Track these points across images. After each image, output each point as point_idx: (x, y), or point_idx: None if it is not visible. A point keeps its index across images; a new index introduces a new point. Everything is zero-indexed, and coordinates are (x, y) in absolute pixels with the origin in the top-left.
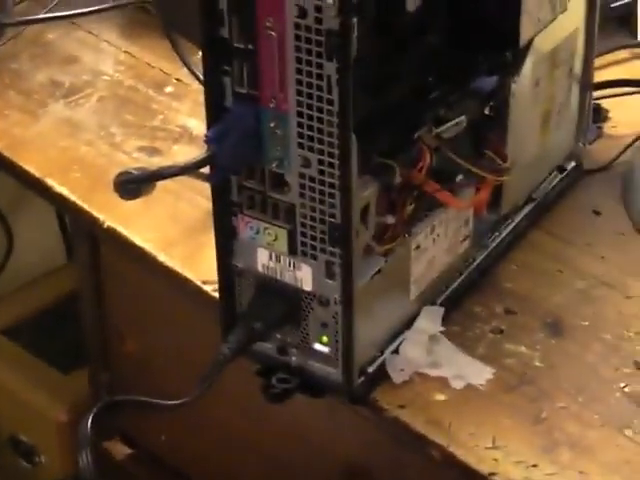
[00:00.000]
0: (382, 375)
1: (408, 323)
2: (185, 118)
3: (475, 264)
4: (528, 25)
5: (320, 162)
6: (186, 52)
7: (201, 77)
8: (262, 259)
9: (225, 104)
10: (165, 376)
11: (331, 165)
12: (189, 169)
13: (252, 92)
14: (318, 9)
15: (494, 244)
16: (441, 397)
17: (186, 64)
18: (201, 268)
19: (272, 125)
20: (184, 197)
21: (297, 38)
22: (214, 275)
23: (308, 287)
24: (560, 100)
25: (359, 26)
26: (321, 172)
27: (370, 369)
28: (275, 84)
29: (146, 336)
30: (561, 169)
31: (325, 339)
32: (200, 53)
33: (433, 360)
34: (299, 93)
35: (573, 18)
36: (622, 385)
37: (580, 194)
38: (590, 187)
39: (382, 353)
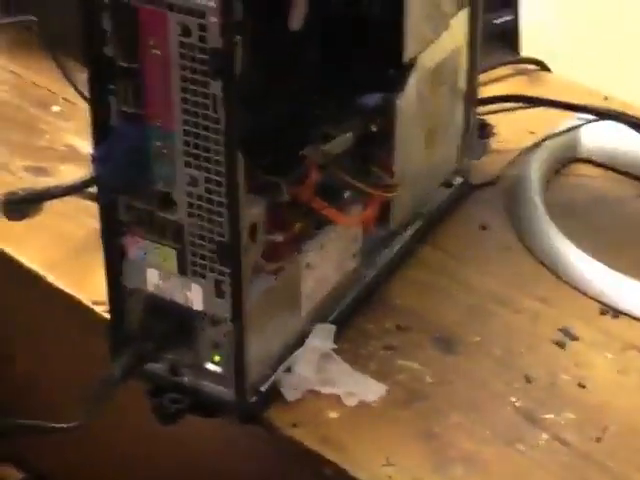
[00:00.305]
0: (275, 393)
1: (300, 341)
2: (72, 137)
3: (365, 281)
4: (411, 42)
5: (207, 180)
6: (72, 71)
7: (87, 96)
8: (152, 279)
9: (111, 123)
10: (57, 397)
11: (218, 183)
12: (76, 189)
13: (137, 111)
14: (202, 27)
15: (384, 260)
16: (334, 415)
17: (72, 83)
18: (91, 289)
19: (158, 144)
20: (72, 218)
21: (182, 57)
22: (104, 295)
23: (199, 306)
24: (445, 116)
25: (243, 44)
26: (208, 191)
27: (263, 388)
28: (160, 103)
29: (37, 358)
30: (448, 184)
31: (217, 358)
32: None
33: (325, 378)
34: (185, 112)
35: (456, 35)
36: (513, 400)
37: (468, 209)
38: (477, 202)
39: (275, 371)
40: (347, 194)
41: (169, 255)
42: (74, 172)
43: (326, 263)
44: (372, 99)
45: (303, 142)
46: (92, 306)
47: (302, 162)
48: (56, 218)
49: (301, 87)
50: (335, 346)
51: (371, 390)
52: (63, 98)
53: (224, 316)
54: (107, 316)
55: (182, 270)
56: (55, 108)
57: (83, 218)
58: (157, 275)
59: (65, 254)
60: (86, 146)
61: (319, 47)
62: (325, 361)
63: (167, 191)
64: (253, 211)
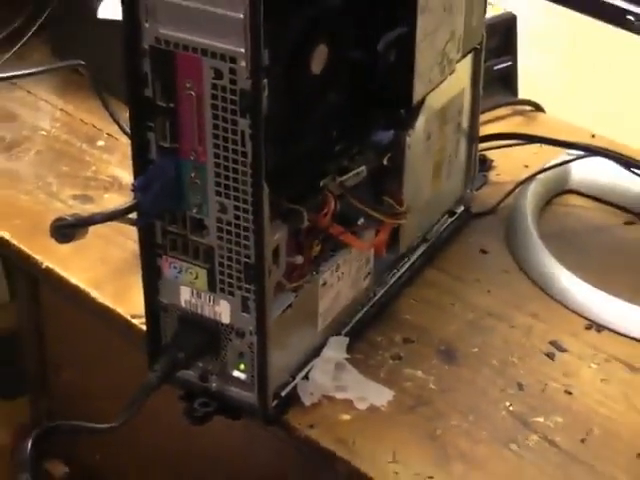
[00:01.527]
0: (294, 398)
1: (316, 351)
2: (115, 169)
3: (376, 298)
4: (420, 86)
5: (236, 208)
6: (116, 109)
7: (129, 132)
8: (184, 296)
9: (150, 156)
10: (99, 402)
11: (245, 211)
12: (117, 215)
13: (174, 145)
14: (232, 71)
15: (393, 280)
16: (347, 417)
17: (115, 120)
18: (130, 304)
19: (192, 175)
20: (114, 241)
21: (214, 97)
22: (142, 310)
23: (226, 320)
24: (449, 152)
25: (269, 86)
26: (237, 217)
27: (283, 393)
28: (194, 138)
29: (81, 366)
30: (451, 213)
31: (242, 367)
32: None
33: (340, 384)
34: (216, 146)
35: (460, 79)
36: (507, 404)
37: (469, 235)
38: (478, 229)
39: (294, 378)
40: (361, 221)
41: (200, 274)
42: (116, 200)
43: (340, 282)
44: (384, 136)
45: (322, 174)
46: (130, 319)
47: (321, 192)
48: (100, 242)
49: (321, 125)
50: (348, 356)
51: (380, 395)
52: (107, 134)
53: (249, 329)
54: (144, 328)
55: (212, 288)
56: (100, 143)
57: (124, 242)
58: (189, 292)
59: (107, 274)
60: (127, 177)
61: (337, 89)
62: (339, 370)
63: (199, 217)
64: (276, 236)
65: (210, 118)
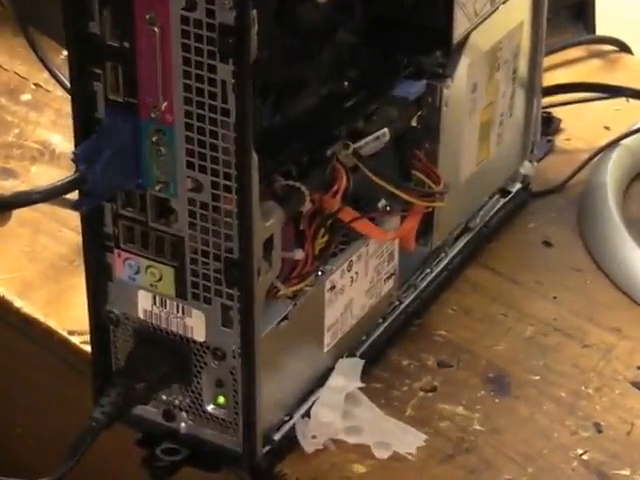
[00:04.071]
0: (291, 443)
1: (321, 380)
2: (46, 132)
3: (401, 308)
4: (462, 19)
5: (214, 185)
6: (47, 52)
7: (66, 82)
8: (143, 304)
9: (96, 115)
10: (27, 446)
11: (227, 189)
12: (54, 194)
13: (129, 100)
14: (210, 1)
15: (424, 283)
16: (361, 469)
17: (47, 66)
18: (67, 315)
19: (154, 140)
20: (45, 229)
21: (184, 34)
22: (83, 324)
23: (200, 337)
24: (502, 109)
25: (259, 20)
26: (215, 198)
27: (276, 436)
28: (157, 91)
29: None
30: (504, 192)
31: (221, 400)
32: (65, 53)
33: (352, 424)
34: (187, 102)
35: (517, 9)
36: (580, 452)
37: (528, 221)
38: (540, 213)
39: (291, 417)
40: (381, 203)
41: (166, 274)
42: (47, 173)
43: (354, 286)
44: (413, 89)
45: (330, 140)
46: (68, 336)
47: (328, 164)
48: (26, 231)
49: (328, 74)
50: (363, 385)
51: (407, 440)
52: (35, 84)
53: (231, 349)
54: (85, 348)
55: (181, 293)
56: (25, 96)
57: (57, 229)
58: (150, 298)
59: (37, 274)
60: (62, 142)
61: (349, 23)
62: (351, 404)
63: (164, 197)
64: (268, 223)
65: (179, 64)
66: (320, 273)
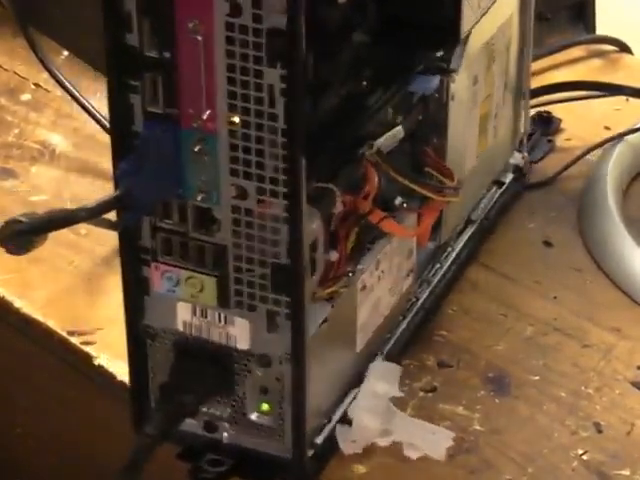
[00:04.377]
0: (332, 446)
1: (355, 381)
2: (46, 132)
3: (419, 304)
4: (469, 13)
5: (260, 191)
6: (47, 52)
7: (65, 82)
8: (183, 315)
9: (134, 128)
10: (27, 446)
11: (274, 194)
12: (99, 212)
13: (169, 111)
14: (257, 4)
15: (436, 278)
16: (361, 469)
17: (47, 67)
18: (67, 315)
19: (196, 149)
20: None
21: (229, 41)
22: (83, 324)
23: (244, 345)
24: (497, 101)
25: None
26: (261, 203)
27: (318, 440)
28: (200, 100)
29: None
30: (499, 183)
31: (266, 407)
32: (65, 53)
33: (384, 427)
34: (232, 109)
35: (507, 2)
36: (580, 452)
37: (528, 221)
38: (539, 213)
39: (330, 420)
40: (398, 200)
41: (207, 285)
42: (47, 174)
43: (381, 284)
44: (424, 84)
45: (358, 141)
46: (67, 336)
47: (357, 165)
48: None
49: (347, 75)
50: (401, 394)
51: (436, 441)
52: (34, 84)
53: (277, 355)
54: (84, 348)
55: (223, 302)
56: (25, 96)
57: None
58: (190, 310)
59: (38, 274)
60: (62, 142)
61: (364, 22)
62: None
63: (206, 207)
64: (313, 226)
65: (223, 71)
66: (352, 274)
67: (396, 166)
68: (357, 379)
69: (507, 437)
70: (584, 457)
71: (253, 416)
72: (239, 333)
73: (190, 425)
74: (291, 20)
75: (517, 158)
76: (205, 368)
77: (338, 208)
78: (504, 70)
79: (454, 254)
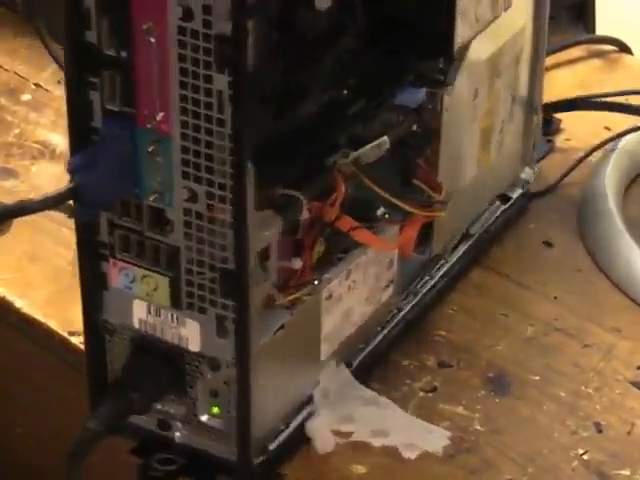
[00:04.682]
0: (287, 452)
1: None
2: (46, 132)
3: (400, 315)
4: (464, 27)
5: (209, 196)
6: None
7: None
8: (139, 313)
9: (92, 124)
10: (27, 446)
11: (222, 199)
12: (51, 204)
13: (126, 109)
14: (207, 10)
15: (423, 290)
16: (361, 469)
17: (58, 62)
18: (67, 316)
19: (150, 150)
20: (45, 229)
21: (181, 45)
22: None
23: (195, 347)
24: (502, 115)
25: (257, 29)
26: (210, 208)
27: (272, 446)
28: (154, 101)
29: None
30: (505, 198)
31: (216, 410)
32: None
33: (378, 428)
34: (183, 112)
35: (518, 15)
36: (580, 452)
37: (529, 223)
38: (540, 214)
39: (287, 426)
40: (380, 211)
41: (161, 284)
42: (48, 173)
43: (353, 294)
44: (413, 96)
45: (329, 149)
46: (68, 337)
47: (327, 172)
48: (25, 231)
49: (328, 82)
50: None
51: (433, 438)
52: (35, 84)
53: (226, 359)
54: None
55: (176, 303)
56: (25, 97)
57: (57, 230)
58: (145, 308)
59: (38, 274)
60: (62, 142)
61: (351, 33)
62: (375, 406)
63: (160, 207)
64: (265, 232)
65: (176, 73)
66: (317, 282)
67: (375, 177)
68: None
69: (507, 437)
70: (584, 457)
71: (204, 418)
72: (190, 335)
73: (145, 421)
74: (236, 27)
75: (527, 173)
76: (158, 367)
77: (304, 216)
78: (512, 84)
79: (446, 267)
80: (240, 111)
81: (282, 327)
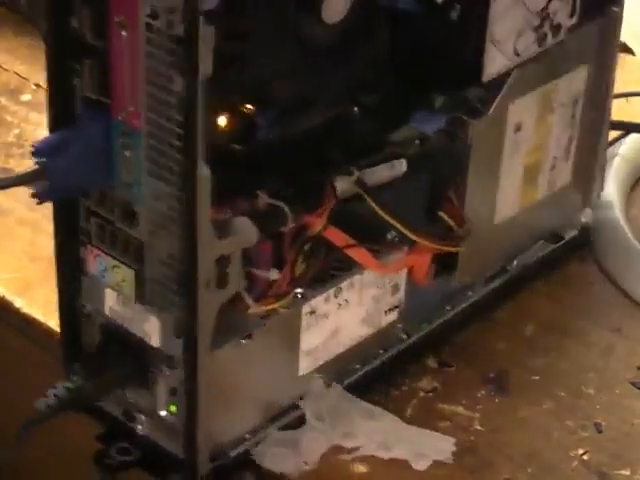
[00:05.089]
0: (251, 460)
1: (294, 404)
2: (46, 133)
3: (409, 342)
4: (497, 57)
5: (170, 195)
6: None
7: None
8: (110, 302)
9: (74, 110)
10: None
11: (180, 200)
12: (15, 184)
13: (102, 99)
14: (171, 10)
15: (440, 320)
16: (361, 469)
17: None
18: None
19: (121, 142)
20: (45, 229)
21: (149, 42)
22: None
23: (156, 343)
24: (556, 153)
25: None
26: (171, 208)
27: (233, 452)
28: (125, 94)
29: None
30: (557, 237)
31: (173, 408)
32: None
33: (381, 440)
34: (150, 108)
35: (578, 53)
36: (580, 452)
37: None
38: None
39: (255, 434)
40: (390, 234)
41: (128, 277)
42: None
43: (344, 313)
44: (426, 122)
45: (327, 164)
46: None
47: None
48: (25, 231)
49: (337, 97)
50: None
51: (441, 447)
52: (35, 84)
53: (181, 359)
54: None
55: (140, 297)
56: (25, 97)
57: None
58: (115, 298)
59: (39, 274)
60: None
61: (367, 50)
62: (373, 419)
63: (129, 201)
64: (227, 240)
65: (144, 70)
66: (300, 296)
67: (382, 200)
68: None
69: (507, 437)
70: (584, 457)
71: (163, 414)
72: (152, 331)
73: (115, 409)
74: (189, 32)
75: (587, 215)
76: (123, 357)
77: (288, 227)
78: (569, 122)
79: (472, 300)
80: (191, 114)
81: (249, 336)
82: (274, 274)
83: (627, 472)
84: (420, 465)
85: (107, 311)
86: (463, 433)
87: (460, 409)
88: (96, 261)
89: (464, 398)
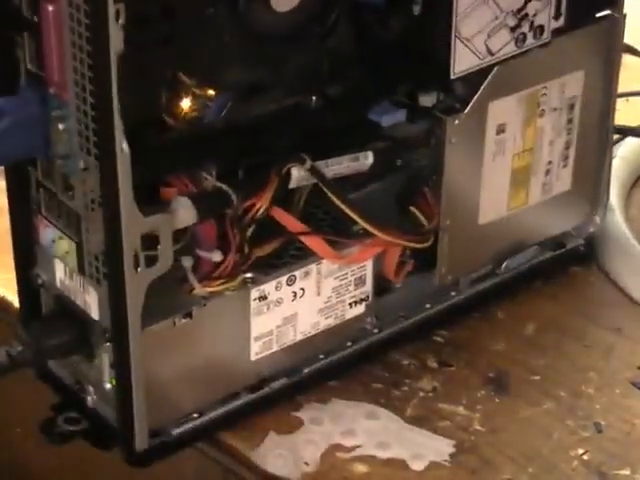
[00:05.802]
0: (196, 439)
1: (249, 387)
2: None
3: (379, 336)
4: (466, 55)
5: (100, 170)
6: None
7: None
8: (59, 273)
9: (20, 82)
10: (27, 446)
11: (105, 177)
12: None
13: (39, 72)
14: None
15: (418, 317)
16: (362, 469)
17: None
18: None
19: (55, 115)
20: None
21: (71, 17)
22: None
23: (95, 315)
24: (549, 157)
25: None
26: (101, 182)
27: (176, 431)
28: (54, 68)
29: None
30: (558, 245)
31: (114, 382)
32: None
33: (380, 440)
34: (76, 84)
35: (572, 59)
36: (580, 452)
37: None
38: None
39: (201, 414)
40: (357, 227)
41: (70, 249)
42: None
43: (299, 302)
44: (389, 116)
45: (278, 151)
46: None
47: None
48: None
49: (292, 82)
50: None
51: (439, 448)
52: None
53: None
54: None
55: (81, 269)
56: None
57: None
58: (63, 269)
59: None
60: None
61: (334, 35)
62: (372, 419)
63: (66, 173)
64: (156, 217)
65: (69, 44)
66: (251, 282)
67: (338, 191)
68: (257, 385)
69: (507, 437)
70: (584, 457)
71: (107, 387)
72: (92, 303)
73: (67, 379)
74: (98, 7)
75: (596, 225)
76: (68, 326)
77: (233, 210)
78: (564, 127)
79: (454, 300)
80: (103, 92)
81: (189, 315)
82: (217, 255)
83: (627, 472)
84: (417, 465)
85: (57, 282)
86: (463, 433)
87: (460, 409)
88: (46, 231)
89: (464, 398)
